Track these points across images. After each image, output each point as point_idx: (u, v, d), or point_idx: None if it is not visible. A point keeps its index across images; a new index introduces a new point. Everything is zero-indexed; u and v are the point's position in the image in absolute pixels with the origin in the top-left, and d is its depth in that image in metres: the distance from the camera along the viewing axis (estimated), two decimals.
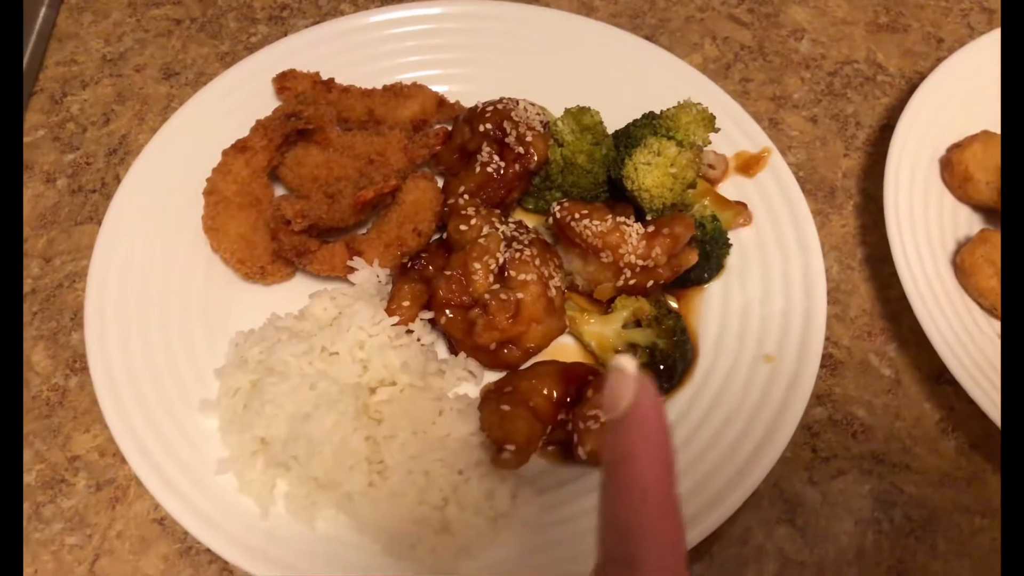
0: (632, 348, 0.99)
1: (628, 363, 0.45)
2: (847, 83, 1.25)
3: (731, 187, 1.10)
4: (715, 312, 1.03)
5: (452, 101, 1.15)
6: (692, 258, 1.00)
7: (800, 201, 1.06)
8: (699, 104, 1.05)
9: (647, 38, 1.25)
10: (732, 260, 1.05)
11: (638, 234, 0.97)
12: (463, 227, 0.99)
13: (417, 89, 1.14)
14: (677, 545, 0.44)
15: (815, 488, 0.95)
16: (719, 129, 1.06)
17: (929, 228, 1.07)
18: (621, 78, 1.17)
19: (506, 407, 0.88)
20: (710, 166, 1.11)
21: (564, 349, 1.01)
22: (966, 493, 0.95)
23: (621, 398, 0.44)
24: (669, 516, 0.43)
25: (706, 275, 1.04)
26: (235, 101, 1.12)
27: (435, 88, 1.15)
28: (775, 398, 0.94)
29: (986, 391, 0.93)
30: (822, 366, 1.02)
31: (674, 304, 1.04)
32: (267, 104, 1.10)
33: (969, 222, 1.10)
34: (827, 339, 1.04)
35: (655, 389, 0.46)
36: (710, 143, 1.05)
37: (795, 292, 1.01)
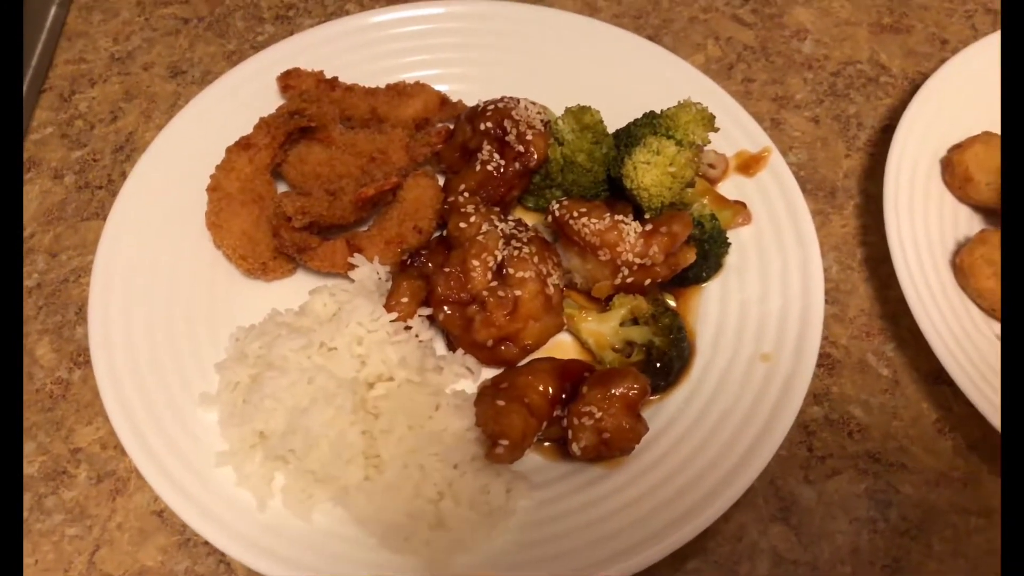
0: (629, 346, 1.00)
1: None
2: (850, 84, 1.26)
3: (731, 186, 1.10)
4: (713, 310, 1.04)
5: (455, 100, 1.16)
6: (690, 257, 1.01)
7: (799, 201, 1.06)
8: (699, 104, 1.06)
9: (650, 38, 1.26)
10: (731, 259, 1.06)
11: (636, 232, 0.98)
12: (463, 224, 1.00)
13: (420, 88, 1.15)
14: None
15: (811, 487, 0.95)
16: (719, 129, 1.07)
17: (929, 229, 1.07)
18: (622, 78, 1.18)
19: (501, 402, 0.89)
20: (710, 165, 1.11)
21: (562, 346, 1.02)
22: (962, 493, 0.95)
23: None
24: None
25: (704, 274, 1.05)
26: (240, 99, 1.13)
27: (438, 87, 1.16)
28: (771, 396, 0.94)
29: (984, 393, 0.93)
30: (819, 365, 1.03)
31: (672, 302, 1.04)
32: (272, 102, 1.12)
33: (970, 223, 1.10)
34: (825, 338, 1.04)
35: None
36: (710, 142, 1.05)
37: (793, 291, 1.01)
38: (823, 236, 1.12)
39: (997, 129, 1.12)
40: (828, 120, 1.22)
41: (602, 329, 1.00)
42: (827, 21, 1.33)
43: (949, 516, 0.94)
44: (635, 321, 1.01)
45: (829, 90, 1.25)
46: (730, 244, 1.06)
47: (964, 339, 0.99)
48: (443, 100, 1.15)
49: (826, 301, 1.05)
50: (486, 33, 1.21)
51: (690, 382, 0.98)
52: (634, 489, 0.90)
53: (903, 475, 0.96)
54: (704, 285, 1.06)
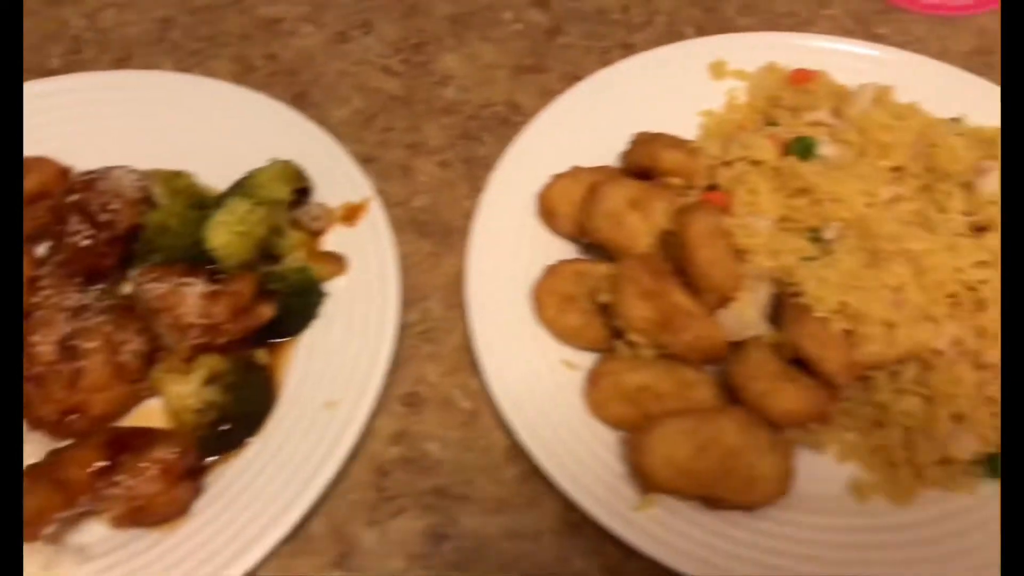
0: (210, 406, 1.03)
1: None
2: (483, 126, 1.31)
3: (336, 238, 1.14)
4: (301, 363, 1.07)
5: (79, 171, 1.19)
6: (267, 313, 1.05)
7: (388, 247, 1.11)
8: (285, 161, 1.11)
9: (300, 95, 1.31)
10: (327, 309, 1.10)
11: (198, 294, 1.02)
12: (34, 299, 1.03)
13: (38, 162, 1.18)
14: None
15: (374, 528, 0.99)
16: (306, 185, 1.12)
17: (516, 264, 1.11)
18: (246, 136, 1.22)
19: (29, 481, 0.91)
20: (314, 218, 1.15)
21: (149, 412, 1.05)
22: (518, 519, 0.99)
23: None
24: None
25: (295, 327, 1.09)
26: None
27: (62, 160, 1.19)
28: (325, 444, 0.98)
29: (524, 416, 0.98)
30: (405, 405, 1.07)
31: (264, 358, 1.07)
32: None
33: (565, 254, 1.15)
34: (415, 378, 1.08)
35: None
36: (292, 197, 1.10)
37: (369, 337, 1.05)
38: (433, 277, 1.16)
39: (591, 163, 1.18)
40: (457, 163, 1.27)
41: (183, 391, 1.03)
42: (472, 66, 1.38)
43: (501, 543, 0.98)
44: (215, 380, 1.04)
45: (463, 133, 1.30)
46: (325, 295, 1.10)
47: (528, 372, 1.03)
48: (63, 173, 1.19)
49: (424, 340, 1.10)
50: (115, 102, 1.25)
51: (262, 437, 1.02)
52: None
53: (465, 506, 1.00)
54: (299, 338, 1.09)
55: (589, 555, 0.97)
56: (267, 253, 1.09)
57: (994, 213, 1.00)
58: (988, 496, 0.96)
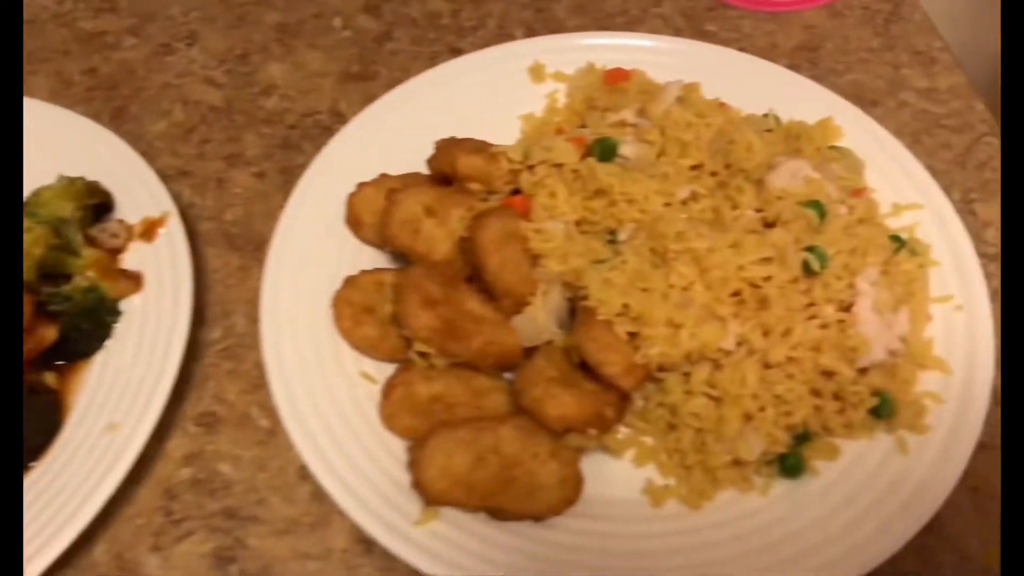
0: None
1: None
2: (304, 135, 1.28)
3: (135, 254, 1.11)
4: (92, 384, 1.04)
5: None
6: (49, 335, 1.01)
7: (184, 263, 1.08)
8: (73, 178, 1.08)
9: (119, 109, 1.27)
10: (120, 329, 1.06)
11: None
12: None
13: None
14: None
15: (158, 554, 0.96)
16: (102, 201, 1.08)
17: (322, 275, 1.09)
18: (45, 153, 1.18)
19: None
20: (113, 235, 1.12)
21: None
22: (307, 538, 0.97)
23: None
24: None
25: (85, 348, 1.05)
26: None
27: None
28: (103, 467, 0.95)
29: (322, 446, 0.95)
30: (200, 425, 1.04)
31: (52, 381, 1.04)
32: None
33: (376, 263, 1.12)
34: (213, 396, 1.06)
35: None
36: (80, 214, 1.07)
37: (156, 356, 1.02)
38: (240, 292, 1.14)
39: (402, 170, 1.15)
40: (274, 173, 1.25)
41: None
42: (298, 75, 1.36)
43: (289, 563, 0.95)
44: None
45: (282, 143, 1.28)
46: (118, 315, 1.06)
47: (316, 379, 1.00)
48: None
49: (225, 358, 1.07)
50: None
51: (45, 462, 0.98)
52: None
53: (254, 528, 0.97)
54: (91, 359, 1.06)
55: (380, 573, 0.95)
56: (53, 273, 1.05)
57: (780, 208, 0.99)
58: (780, 496, 0.95)
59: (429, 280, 0.98)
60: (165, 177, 1.21)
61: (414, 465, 0.91)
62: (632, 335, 0.95)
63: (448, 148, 1.09)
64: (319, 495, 0.99)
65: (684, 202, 1.05)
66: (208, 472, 1.01)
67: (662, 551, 0.93)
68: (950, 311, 1.03)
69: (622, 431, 1.00)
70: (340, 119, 1.30)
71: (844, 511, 0.92)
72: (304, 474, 1.01)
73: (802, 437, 0.95)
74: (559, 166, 1.07)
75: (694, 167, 1.08)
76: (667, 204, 1.04)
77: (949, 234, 1.08)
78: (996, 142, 1.25)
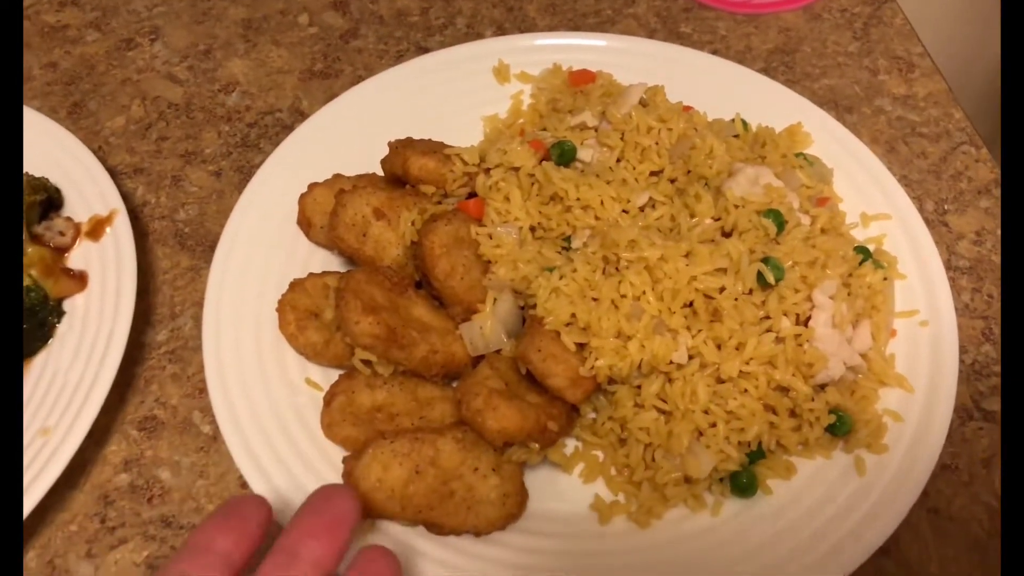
0: None
1: None
2: (263, 133, 1.26)
3: (82, 253, 1.09)
4: (30, 386, 1.01)
5: None
6: None
7: (128, 263, 1.05)
8: (35, 176, 1.05)
9: (77, 104, 1.25)
10: (62, 329, 1.04)
11: None
12: None
13: None
14: None
15: (91, 561, 0.93)
16: (43, 197, 1.06)
17: (269, 278, 1.06)
18: None
19: None
20: (59, 233, 1.09)
21: None
22: None
23: None
24: None
25: (27, 348, 1.02)
26: None
27: None
28: (31, 473, 0.92)
29: (255, 455, 0.92)
30: (140, 429, 1.01)
31: None
32: None
33: (329, 266, 1.10)
34: (156, 400, 1.03)
35: None
36: (38, 217, 1.05)
37: (95, 358, 1.00)
38: (189, 293, 1.11)
39: (359, 170, 1.13)
40: (231, 172, 1.22)
41: None
42: (260, 72, 1.33)
43: None
44: None
45: (241, 142, 1.25)
46: (60, 315, 1.04)
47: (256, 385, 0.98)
48: None
49: (170, 361, 1.04)
50: None
51: None
52: None
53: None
54: (34, 358, 1.03)
55: None
56: None
57: (737, 216, 0.96)
58: (731, 515, 0.92)
59: (373, 284, 0.95)
60: (119, 174, 1.19)
61: (349, 476, 0.88)
62: (581, 346, 0.92)
63: (401, 149, 1.06)
64: None
65: (642, 209, 1.01)
66: (146, 478, 0.98)
67: (608, 570, 0.89)
68: (915, 326, 1.00)
69: (571, 445, 0.97)
70: (301, 117, 1.27)
71: (796, 532, 0.89)
72: (244, 482, 0.98)
73: (756, 455, 0.92)
74: (515, 170, 1.04)
75: (654, 173, 1.05)
76: (624, 211, 1.01)
77: (917, 246, 1.05)
78: (973, 151, 1.22)
